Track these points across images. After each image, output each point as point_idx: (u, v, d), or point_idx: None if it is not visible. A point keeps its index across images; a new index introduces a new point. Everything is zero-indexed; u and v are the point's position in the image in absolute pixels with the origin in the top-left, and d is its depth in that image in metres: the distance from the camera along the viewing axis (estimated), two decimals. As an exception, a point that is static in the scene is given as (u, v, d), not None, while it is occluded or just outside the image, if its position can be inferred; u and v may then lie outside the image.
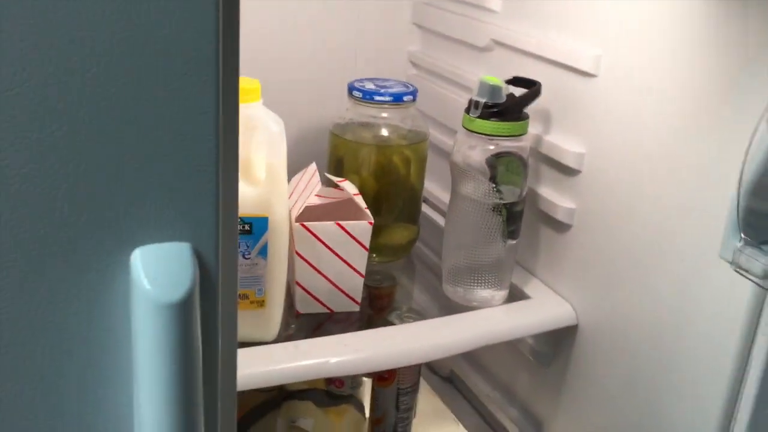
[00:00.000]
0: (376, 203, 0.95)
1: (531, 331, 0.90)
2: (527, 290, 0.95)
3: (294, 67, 1.12)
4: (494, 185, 0.86)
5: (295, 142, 1.14)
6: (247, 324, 0.80)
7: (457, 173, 0.89)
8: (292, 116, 1.12)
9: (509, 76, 0.90)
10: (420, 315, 0.95)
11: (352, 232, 0.85)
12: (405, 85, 0.97)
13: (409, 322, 0.94)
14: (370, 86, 0.94)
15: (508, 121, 0.84)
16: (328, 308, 0.88)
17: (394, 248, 1.00)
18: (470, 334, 0.85)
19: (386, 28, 1.18)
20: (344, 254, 0.86)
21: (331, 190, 0.92)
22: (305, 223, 0.83)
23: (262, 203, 0.76)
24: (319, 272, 0.86)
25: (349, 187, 0.90)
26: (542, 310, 0.91)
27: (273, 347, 0.79)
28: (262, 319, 0.80)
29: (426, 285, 1.06)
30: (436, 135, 1.13)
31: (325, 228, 0.84)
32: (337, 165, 0.97)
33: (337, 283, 0.87)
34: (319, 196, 0.89)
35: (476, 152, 0.86)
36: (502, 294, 0.92)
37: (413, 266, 1.06)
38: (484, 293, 0.91)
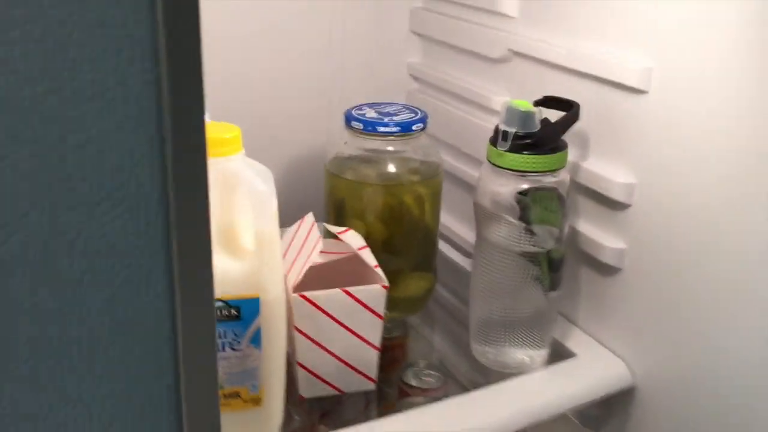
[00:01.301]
0: (386, 252, 0.80)
1: (581, 400, 0.75)
2: (571, 345, 0.80)
3: (276, 96, 0.96)
4: (528, 228, 0.71)
5: (285, 186, 1.00)
6: (239, 427, 0.65)
7: (483, 216, 0.74)
8: (280, 155, 0.98)
9: (535, 93, 0.76)
10: (441, 373, 0.80)
11: (363, 300, 0.70)
12: (412, 110, 0.82)
13: (429, 381, 0.80)
14: (371, 114, 0.79)
15: (544, 153, 0.69)
16: (337, 389, 0.74)
17: (410, 302, 0.85)
18: (506, 414, 0.71)
19: (380, 38, 1.03)
20: (354, 326, 0.71)
21: (332, 243, 0.76)
22: (306, 294, 0.68)
23: (252, 280, 0.61)
24: (324, 349, 0.71)
25: (354, 239, 0.75)
26: (592, 371, 0.77)
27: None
28: (258, 420, 0.65)
29: (446, 334, 0.91)
30: (445, 159, 0.98)
31: (331, 297, 0.69)
32: (336, 209, 0.82)
33: (347, 360, 0.72)
34: (322, 252, 0.74)
35: (506, 191, 0.71)
36: (542, 354, 0.78)
37: (430, 311, 0.91)
38: (520, 354, 0.77)
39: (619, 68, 0.71)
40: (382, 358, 0.78)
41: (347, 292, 0.69)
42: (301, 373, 0.71)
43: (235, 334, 0.62)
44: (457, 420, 0.69)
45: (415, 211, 0.81)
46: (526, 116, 0.69)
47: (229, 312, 0.61)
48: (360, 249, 0.74)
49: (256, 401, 0.64)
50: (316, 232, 0.73)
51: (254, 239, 0.60)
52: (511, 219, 0.71)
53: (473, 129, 0.91)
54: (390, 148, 0.80)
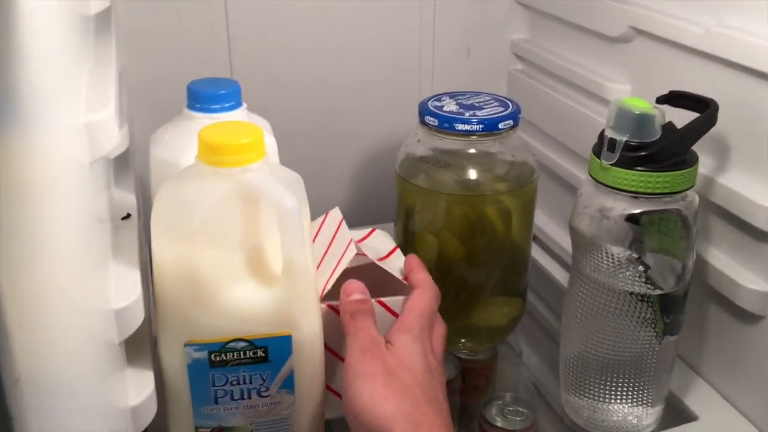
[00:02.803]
0: (464, 272, 0.67)
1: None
2: (692, 404, 0.64)
3: (357, 81, 0.84)
4: (640, 261, 0.56)
5: (359, 187, 0.89)
6: (272, 482, 0.55)
7: (581, 243, 0.59)
8: (357, 152, 0.87)
9: (660, 83, 0.59)
10: (531, 409, 0.67)
11: (398, 312, 0.57)
12: (502, 102, 0.68)
13: (515, 421, 0.66)
14: (450, 107, 0.66)
15: (665, 170, 0.53)
16: None
17: (492, 331, 0.72)
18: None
19: (480, 10, 0.88)
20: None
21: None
22: (334, 304, 0.56)
23: (282, 315, 0.50)
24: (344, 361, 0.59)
25: (379, 243, 0.62)
26: (717, 440, 0.61)
27: None
28: (294, 473, 0.55)
29: (542, 357, 0.77)
30: (547, 155, 0.83)
31: None
32: (406, 218, 0.70)
33: None
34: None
35: (613, 216, 0.56)
36: (654, 414, 0.62)
37: (524, 329, 0.78)
38: (623, 412, 0.62)
39: (777, 57, 0.54)
40: (466, 384, 0.67)
41: (382, 303, 0.57)
42: (329, 396, 0.60)
43: (263, 379, 0.51)
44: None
45: (499, 226, 0.67)
46: (643, 120, 0.53)
47: (255, 353, 0.51)
48: (386, 256, 0.61)
49: (291, 453, 0.54)
50: (346, 232, 0.61)
51: (283, 266, 0.49)
52: (616, 249, 0.56)
53: (582, 121, 0.76)
54: (472, 150, 0.66)
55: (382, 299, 0.58)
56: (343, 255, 0.58)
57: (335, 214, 0.64)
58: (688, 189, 0.55)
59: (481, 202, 0.66)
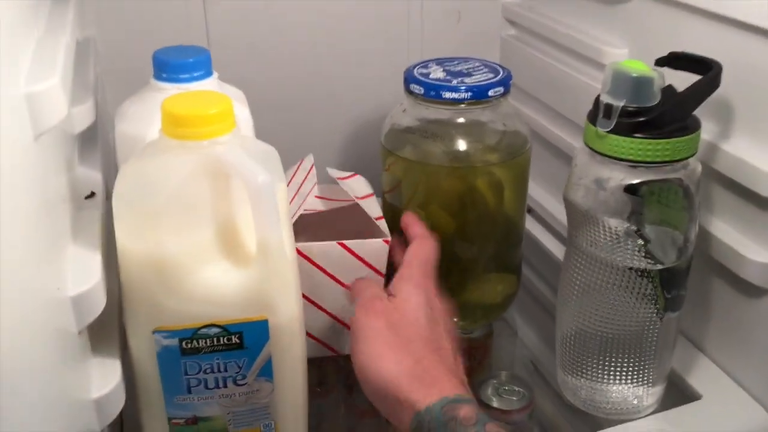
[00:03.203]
0: (455, 247, 0.64)
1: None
2: (695, 383, 0.61)
3: (341, 50, 0.80)
4: (640, 234, 0.53)
5: (346, 160, 0.85)
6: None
7: (576, 216, 0.56)
8: (344, 123, 0.83)
9: (661, 46, 0.56)
10: (528, 388, 0.64)
11: (362, 256, 0.61)
12: (492, 67, 0.64)
13: (511, 400, 0.64)
14: (437, 74, 0.62)
15: (665, 137, 0.49)
16: (333, 350, 0.67)
17: (486, 309, 0.69)
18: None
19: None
20: (351, 281, 0.60)
21: (333, 189, 0.67)
22: (297, 246, 0.56)
23: (257, 298, 0.47)
24: (318, 307, 0.63)
25: (358, 186, 0.65)
26: (723, 419, 0.58)
27: None
28: (275, 464, 0.52)
29: (540, 332, 0.74)
30: (540, 123, 0.80)
31: (326, 251, 0.61)
32: (393, 192, 0.66)
33: (344, 320, 0.64)
34: (320, 197, 0.67)
35: (610, 187, 0.52)
36: (655, 393, 0.59)
37: (521, 304, 0.75)
38: (623, 392, 0.59)
39: (786, 13, 0.50)
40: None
41: (345, 246, 0.60)
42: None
43: (239, 366, 0.48)
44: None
45: (491, 199, 0.64)
46: (641, 83, 0.49)
47: (229, 339, 0.47)
48: (363, 198, 0.64)
49: (271, 442, 0.51)
50: (313, 176, 0.65)
51: (257, 246, 0.46)
52: (614, 222, 0.53)
53: (578, 88, 0.72)
54: (460, 119, 0.62)
55: (345, 242, 0.60)
56: (307, 196, 0.63)
57: (309, 160, 0.67)
58: (689, 157, 0.51)
59: (472, 174, 0.63)
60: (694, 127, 0.51)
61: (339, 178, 0.65)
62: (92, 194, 0.54)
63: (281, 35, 0.78)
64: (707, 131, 0.56)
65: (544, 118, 0.80)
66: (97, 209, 0.52)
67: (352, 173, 0.66)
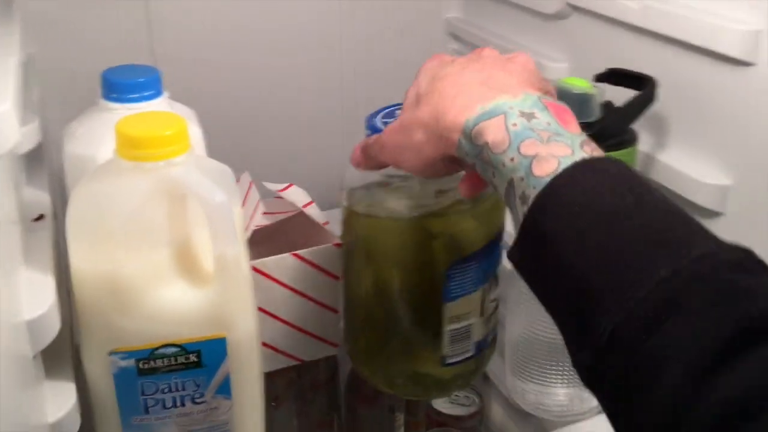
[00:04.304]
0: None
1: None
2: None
3: (274, 60, 0.81)
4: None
5: (291, 176, 0.85)
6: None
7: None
8: (283, 134, 0.82)
9: (598, 61, 0.58)
10: (478, 393, 0.67)
11: (316, 262, 0.63)
12: None
13: (460, 408, 0.66)
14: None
15: (605, 150, 0.52)
16: (297, 359, 0.68)
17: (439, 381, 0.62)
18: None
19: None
20: (309, 290, 0.65)
21: (274, 203, 0.68)
22: (252, 263, 0.56)
23: (215, 316, 0.47)
24: (280, 320, 0.64)
25: (298, 195, 0.66)
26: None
27: None
28: (234, 481, 0.52)
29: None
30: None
31: (280, 263, 0.62)
32: (359, 252, 0.60)
33: (305, 328, 0.66)
34: (265, 213, 0.68)
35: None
36: (601, 395, 0.62)
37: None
38: (569, 394, 0.61)
39: (715, 31, 0.53)
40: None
41: (298, 256, 0.62)
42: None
43: (197, 385, 0.48)
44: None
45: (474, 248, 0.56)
46: (582, 100, 0.52)
47: (187, 359, 0.47)
48: (305, 206, 0.65)
49: (230, 460, 0.51)
50: (255, 193, 0.67)
51: (214, 264, 0.46)
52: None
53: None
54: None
55: (298, 252, 0.62)
56: (253, 214, 0.64)
57: (245, 179, 0.68)
58: (629, 168, 0.54)
59: (440, 226, 0.56)
60: (631, 140, 0.53)
61: (279, 191, 0.66)
62: (41, 216, 0.53)
63: (227, 52, 0.78)
64: (645, 144, 0.59)
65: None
66: (47, 231, 0.51)
67: (288, 184, 0.67)
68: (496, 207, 0.56)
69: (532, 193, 0.36)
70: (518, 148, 0.38)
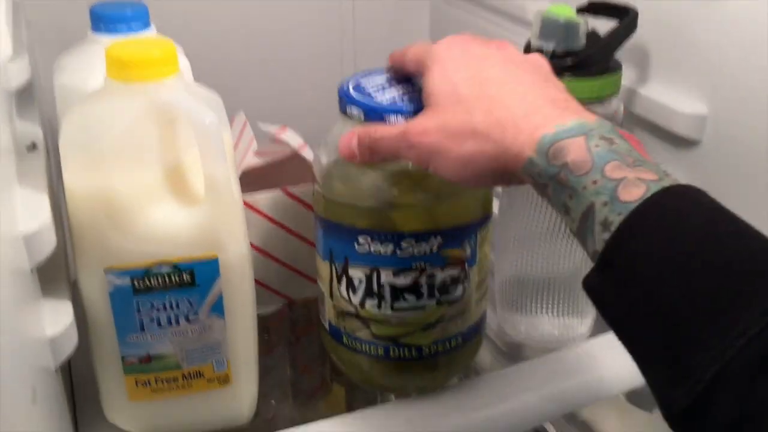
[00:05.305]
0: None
1: (633, 383, 0.61)
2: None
3: (267, 26, 0.81)
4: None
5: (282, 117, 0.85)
6: (205, 411, 0.54)
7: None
8: (273, 78, 0.81)
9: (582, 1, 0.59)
10: None
11: (307, 200, 0.62)
12: None
13: None
14: (378, 88, 0.51)
15: (591, 76, 0.53)
16: (287, 298, 0.68)
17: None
18: (535, 399, 0.57)
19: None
20: (301, 229, 0.64)
21: (269, 145, 0.68)
22: (243, 198, 0.54)
23: (207, 237, 0.48)
24: (270, 257, 0.64)
25: (293, 137, 0.66)
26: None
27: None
28: (228, 401, 0.54)
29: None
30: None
31: (272, 200, 0.62)
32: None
33: (295, 266, 0.66)
34: (257, 154, 0.67)
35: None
36: (586, 324, 0.64)
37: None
38: (557, 324, 0.63)
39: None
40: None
41: (289, 193, 0.62)
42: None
43: (191, 304, 0.50)
44: (478, 404, 0.56)
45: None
46: (568, 28, 0.53)
47: (181, 277, 0.49)
48: (301, 147, 0.65)
49: (224, 380, 0.53)
50: (249, 132, 0.66)
51: (205, 185, 0.47)
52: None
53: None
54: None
55: (290, 189, 0.61)
56: (247, 150, 0.63)
57: (240, 118, 0.67)
58: (612, 96, 0.55)
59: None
60: (615, 68, 0.55)
61: (275, 132, 0.66)
62: (34, 146, 0.54)
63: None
64: (628, 78, 0.60)
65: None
66: (40, 159, 0.52)
67: (281, 125, 0.67)
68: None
69: (617, 219, 0.33)
70: (602, 170, 0.35)
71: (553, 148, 0.37)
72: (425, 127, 0.43)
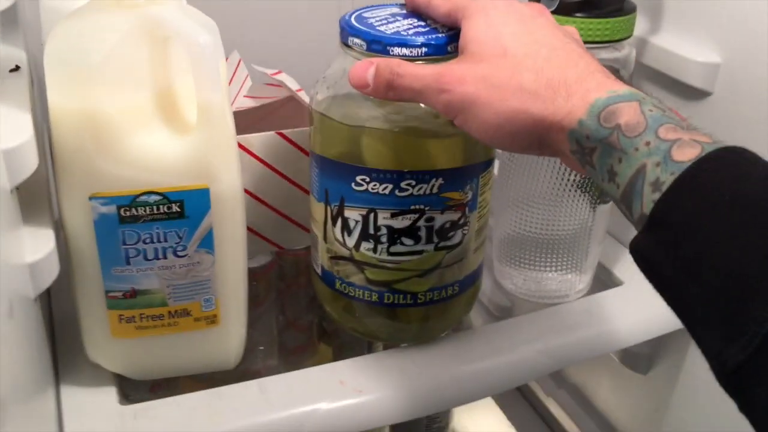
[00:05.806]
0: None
1: (626, 342, 0.60)
2: (618, 272, 0.65)
3: None
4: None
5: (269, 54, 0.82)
6: (192, 351, 0.52)
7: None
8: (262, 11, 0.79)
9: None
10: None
11: (302, 145, 0.59)
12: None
13: None
14: (382, 21, 0.48)
15: (604, 16, 0.51)
16: (277, 246, 0.64)
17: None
18: (529, 354, 0.55)
19: None
20: (294, 174, 0.61)
21: (264, 88, 0.65)
22: (237, 139, 0.52)
23: (198, 166, 0.46)
24: (261, 201, 0.61)
25: (290, 81, 0.63)
26: (642, 304, 0.61)
27: (226, 391, 0.50)
28: (215, 342, 0.52)
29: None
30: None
31: (265, 142, 0.58)
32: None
33: (286, 213, 0.62)
34: (249, 96, 0.64)
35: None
36: (585, 280, 0.62)
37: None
38: (556, 280, 0.61)
39: None
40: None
41: (284, 136, 0.58)
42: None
43: (179, 237, 0.47)
44: (473, 356, 0.54)
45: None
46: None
47: (170, 208, 0.46)
48: (298, 90, 0.62)
49: (212, 319, 0.51)
50: (243, 70, 0.63)
51: (198, 111, 0.45)
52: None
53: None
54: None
55: (284, 132, 0.58)
56: (240, 89, 0.61)
57: (234, 57, 0.64)
58: (625, 39, 0.53)
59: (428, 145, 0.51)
60: (630, 9, 0.52)
61: (271, 75, 0.63)
62: (17, 68, 0.51)
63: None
64: (639, 27, 0.58)
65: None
66: (23, 79, 0.49)
67: (277, 70, 0.64)
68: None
69: (669, 179, 0.33)
70: (656, 132, 0.34)
71: (606, 111, 0.36)
72: (463, 73, 0.40)
